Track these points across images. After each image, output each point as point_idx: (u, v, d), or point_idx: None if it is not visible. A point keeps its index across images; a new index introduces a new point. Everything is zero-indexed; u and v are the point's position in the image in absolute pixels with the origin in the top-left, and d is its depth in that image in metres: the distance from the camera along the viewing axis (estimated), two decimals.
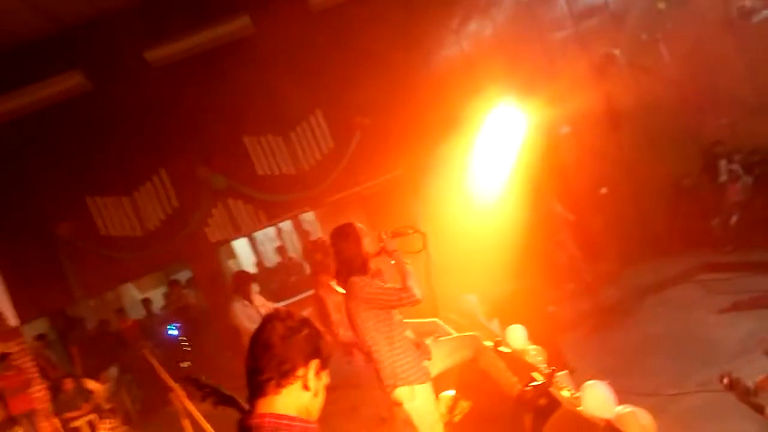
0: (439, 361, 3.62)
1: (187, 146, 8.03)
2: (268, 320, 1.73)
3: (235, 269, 9.35)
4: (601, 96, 8.18)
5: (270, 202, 8.28)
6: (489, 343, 4.01)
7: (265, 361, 1.66)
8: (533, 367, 3.98)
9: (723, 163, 8.20)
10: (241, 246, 11.32)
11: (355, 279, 3.46)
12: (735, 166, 8.06)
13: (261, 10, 7.74)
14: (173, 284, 10.13)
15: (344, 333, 4.68)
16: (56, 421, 6.00)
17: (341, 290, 3.72)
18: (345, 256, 3.51)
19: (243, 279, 6.00)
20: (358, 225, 3.58)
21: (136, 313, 10.42)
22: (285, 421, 1.63)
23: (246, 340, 1.97)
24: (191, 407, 3.98)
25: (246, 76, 7.90)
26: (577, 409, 3.35)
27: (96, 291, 8.70)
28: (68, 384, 7.41)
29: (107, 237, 8.04)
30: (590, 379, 3.38)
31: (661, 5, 8.30)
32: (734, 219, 7.71)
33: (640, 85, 8.25)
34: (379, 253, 3.56)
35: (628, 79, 8.32)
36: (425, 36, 8.24)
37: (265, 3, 7.78)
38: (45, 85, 7.37)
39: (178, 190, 8.15)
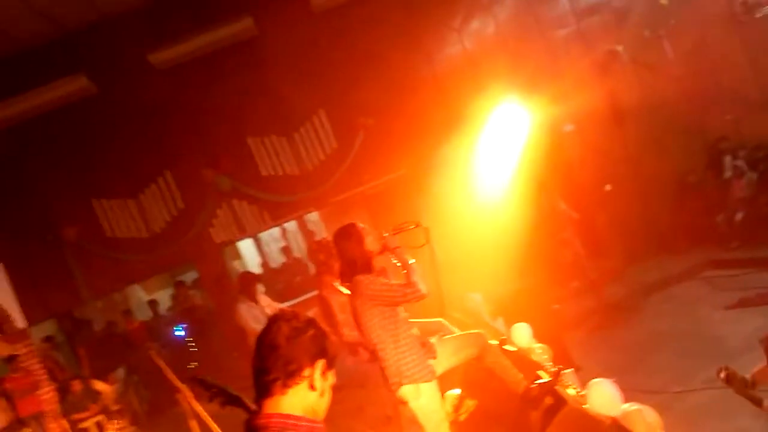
0: (445, 359, 3.62)
1: (192, 148, 8.06)
2: (274, 321, 1.74)
3: (241, 270, 9.38)
4: (605, 93, 8.17)
5: (274, 203, 8.30)
6: (494, 342, 4.01)
7: (271, 362, 1.67)
8: (538, 366, 3.98)
9: (728, 159, 8.18)
10: (246, 247, 11.34)
11: (360, 277, 3.47)
12: (740, 162, 8.04)
13: (264, 12, 7.77)
14: (179, 285, 10.17)
15: (349, 333, 4.69)
16: (64, 423, 6.04)
17: (345, 291, 3.73)
18: (348, 256, 3.53)
19: (248, 280, 6.03)
20: (360, 225, 3.59)
21: (143, 314, 10.46)
22: (292, 421, 1.65)
23: (252, 341, 1.98)
24: (198, 408, 4.00)
25: (249, 77, 7.93)
26: (583, 407, 3.35)
27: (103, 293, 8.74)
28: (76, 385, 7.46)
29: (113, 239, 8.08)
30: (596, 377, 3.39)
31: (664, 1, 8.28)
32: (739, 215, 7.69)
33: (644, 82, 8.24)
34: (382, 252, 3.57)
35: (632, 76, 8.30)
36: (427, 35, 8.24)
37: (267, 5, 7.80)
38: (50, 89, 7.41)
39: (183, 192, 8.18)
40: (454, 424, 3.76)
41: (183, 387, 4.07)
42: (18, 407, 7.06)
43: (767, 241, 7.09)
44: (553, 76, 8.15)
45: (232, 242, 8.85)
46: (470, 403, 3.88)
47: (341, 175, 8.25)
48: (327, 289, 5.14)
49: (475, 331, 3.95)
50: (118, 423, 6.98)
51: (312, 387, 1.69)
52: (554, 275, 7.26)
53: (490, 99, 7.34)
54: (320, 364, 1.71)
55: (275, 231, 11.27)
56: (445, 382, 3.74)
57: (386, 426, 4.83)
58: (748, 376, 3.47)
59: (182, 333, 9.04)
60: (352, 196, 8.32)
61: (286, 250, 11.29)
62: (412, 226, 3.57)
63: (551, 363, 4.08)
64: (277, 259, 11.70)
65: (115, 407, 7.47)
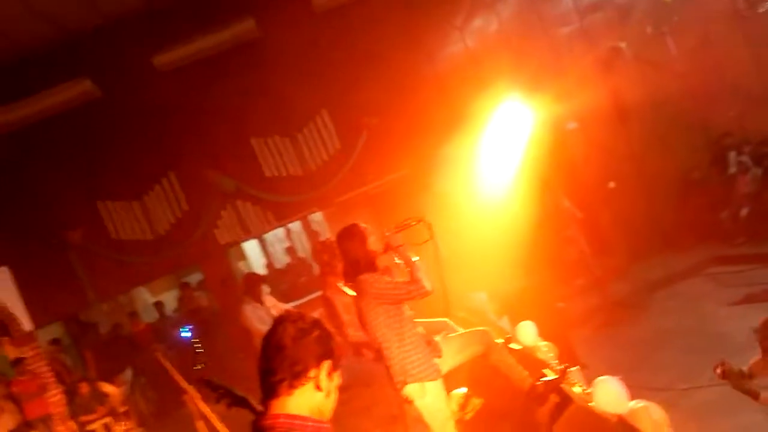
0: (450, 357, 3.63)
1: (195, 149, 8.08)
2: (279, 322, 1.75)
3: (246, 271, 9.41)
4: (608, 90, 8.15)
5: (278, 204, 8.32)
6: (499, 340, 4.01)
7: (277, 363, 1.68)
8: (544, 364, 3.98)
9: (732, 155, 8.16)
10: (250, 247, 11.37)
11: (364, 276, 3.48)
12: (744, 158, 8.02)
13: (265, 13, 7.77)
14: (184, 287, 10.20)
15: (354, 333, 4.70)
16: (72, 425, 6.07)
17: (349, 291, 3.73)
18: (352, 257, 3.53)
19: (253, 281, 6.04)
20: (363, 225, 3.60)
21: (149, 316, 10.50)
22: (298, 422, 1.66)
23: (257, 342, 1.99)
24: (205, 409, 4.01)
25: (252, 78, 7.94)
26: (589, 404, 3.35)
27: (109, 295, 8.77)
28: (83, 388, 7.50)
29: (118, 241, 8.11)
30: (602, 375, 3.38)
31: None
32: (744, 211, 7.66)
33: (647, 79, 8.21)
34: (385, 251, 3.58)
35: (635, 73, 8.28)
36: (430, 34, 8.24)
37: (269, 6, 7.81)
38: (54, 93, 7.43)
39: (187, 194, 8.20)
40: (460, 422, 3.77)
41: (189, 388, 4.09)
42: (25, 410, 7.10)
43: None
44: (556, 73, 8.13)
45: (236, 243, 8.87)
46: (476, 402, 3.89)
47: (345, 175, 8.26)
48: (331, 289, 5.15)
49: (481, 328, 3.94)
50: (125, 425, 7.02)
51: (318, 387, 1.69)
52: (559, 273, 7.24)
53: (493, 97, 7.33)
54: (326, 364, 1.72)
55: (279, 231, 11.29)
56: (450, 381, 3.74)
57: (392, 425, 4.84)
58: (745, 368, 3.47)
59: (188, 334, 9.03)
60: (355, 196, 8.32)
61: (290, 251, 11.31)
62: (415, 222, 3.57)
63: (557, 361, 4.08)
64: (281, 260, 11.73)
65: (122, 409, 7.50)
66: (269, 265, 11.61)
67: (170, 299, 10.74)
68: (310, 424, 1.67)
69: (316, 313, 2.29)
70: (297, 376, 1.67)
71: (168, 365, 4.37)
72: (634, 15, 8.50)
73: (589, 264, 7.46)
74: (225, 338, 8.38)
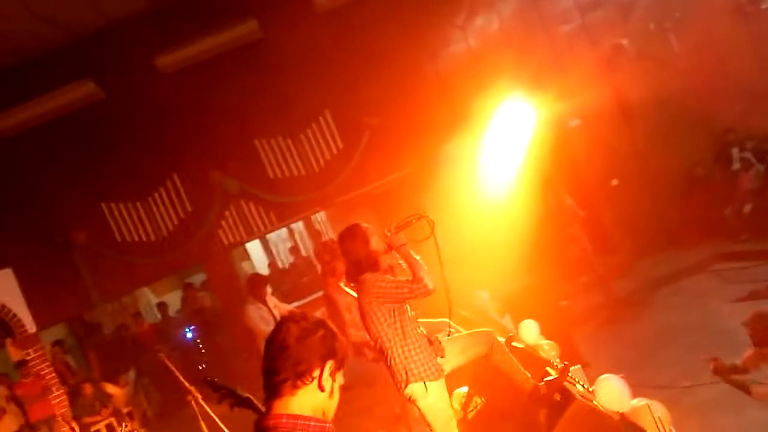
0: (453, 357, 3.62)
1: (198, 150, 8.10)
2: (283, 322, 1.75)
3: (249, 271, 9.43)
4: (611, 88, 8.14)
5: (281, 204, 8.33)
6: (501, 339, 4.01)
7: (280, 362, 1.68)
8: (547, 362, 3.98)
9: (735, 151, 8.14)
10: (254, 248, 11.39)
11: (366, 276, 3.47)
12: (747, 154, 8.00)
13: (267, 14, 7.78)
14: (188, 287, 10.22)
15: (355, 333, 4.71)
16: (76, 426, 6.08)
17: (351, 291, 3.73)
18: (354, 257, 3.53)
19: (257, 282, 6.04)
20: (365, 225, 3.59)
21: (153, 317, 10.53)
22: (301, 422, 1.66)
23: (260, 342, 2.00)
24: (208, 409, 4.02)
25: (254, 79, 7.95)
26: (592, 403, 3.35)
27: (112, 296, 8.80)
28: (87, 389, 7.52)
29: (122, 242, 8.14)
30: (605, 373, 3.39)
31: None
32: (748, 207, 7.65)
33: (650, 76, 8.19)
34: (388, 250, 3.58)
35: (637, 69, 8.26)
36: (431, 32, 8.23)
37: (271, 6, 7.82)
38: (58, 95, 7.46)
39: (190, 195, 8.23)
40: (462, 421, 3.77)
41: (192, 389, 4.09)
42: (29, 412, 7.13)
43: None
44: (558, 71, 8.12)
45: (240, 244, 8.89)
46: (479, 401, 3.89)
47: (347, 175, 8.27)
48: (332, 289, 5.16)
49: (484, 329, 3.94)
50: (128, 425, 7.03)
51: (321, 387, 1.69)
52: (562, 271, 7.25)
53: (495, 96, 7.33)
54: (329, 364, 1.72)
55: (283, 231, 11.33)
56: (453, 380, 3.74)
57: (395, 425, 4.85)
58: (739, 362, 3.48)
59: (192, 335, 9.09)
60: (358, 196, 8.33)
61: (294, 250, 11.34)
62: (415, 219, 3.56)
63: (559, 359, 4.08)
64: (285, 260, 11.75)
65: (125, 410, 7.53)
66: (272, 265, 11.64)
67: (174, 300, 10.77)
68: (312, 423, 1.68)
69: (319, 313, 2.30)
70: (300, 376, 1.67)
71: (171, 366, 4.38)
72: (635, 12, 8.48)
73: (591, 262, 7.45)
74: (228, 338, 8.41)
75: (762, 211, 7.49)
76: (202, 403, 4.02)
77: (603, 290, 7.26)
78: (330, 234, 9.87)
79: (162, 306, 10.30)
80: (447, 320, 3.72)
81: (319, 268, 9.34)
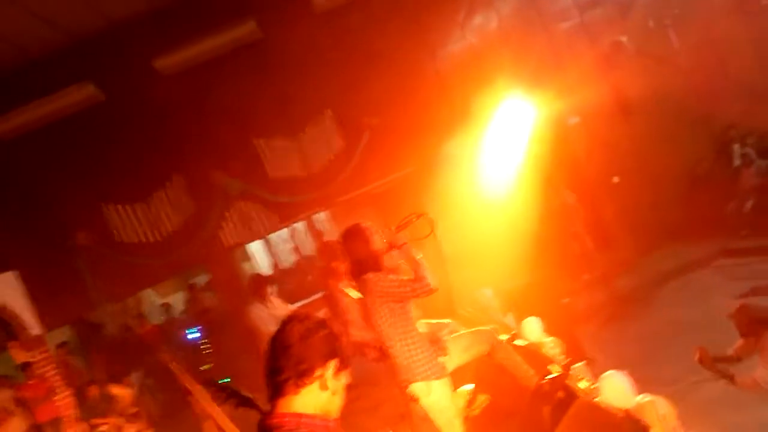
0: (456, 356, 3.63)
1: (199, 151, 8.11)
2: (287, 321, 1.76)
3: (251, 271, 9.43)
4: (610, 85, 8.13)
5: (282, 204, 8.34)
6: (504, 337, 4.02)
7: (283, 362, 1.69)
8: (550, 360, 3.98)
9: (736, 148, 8.14)
10: (256, 248, 11.40)
11: (369, 275, 3.48)
12: (748, 150, 7.99)
13: (266, 14, 7.79)
14: (192, 288, 10.24)
15: (356, 333, 4.72)
16: (82, 427, 6.10)
17: (352, 292, 3.73)
18: (356, 257, 3.54)
19: (259, 282, 6.06)
20: (366, 224, 3.60)
21: (156, 317, 10.54)
22: (305, 420, 1.67)
23: (263, 342, 2.00)
24: (213, 409, 4.03)
25: (254, 79, 7.96)
26: (595, 400, 3.35)
27: (116, 297, 8.81)
28: (93, 390, 7.53)
29: (125, 243, 8.16)
30: (608, 370, 3.39)
31: None
32: (749, 203, 7.64)
33: (649, 73, 8.19)
34: (389, 249, 3.58)
35: (637, 67, 8.25)
36: (430, 31, 8.23)
37: (270, 7, 7.82)
38: (58, 98, 7.48)
39: (192, 195, 8.24)
40: (467, 419, 3.78)
41: (197, 389, 4.11)
42: (35, 414, 7.14)
43: None
44: (557, 69, 8.12)
45: (242, 244, 8.90)
46: (483, 399, 3.89)
47: (348, 175, 8.27)
48: (333, 289, 5.16)
49: (486, 327, 3.95)
50: (134, 426, 7.05)
51: (324, 387, 1.70)
52: (564, 269, 7.24)
53: (494, 94, 7.32)
54: (332, 363, 1.73)
55: (284, 232, 11.32)
56: (457, 379, 3.75)
57: (400, 424, 4.85)
58: (731, 352, 3.51)
59: (196, 335, 9.10)
60: (359, 195, 8.33)
61: (297, 250, 11.35)
62: (416, 218, 3.57)
63: (563, 356, 4.08)
64: (286, 260, 11.76)
65: (131, 411, 7.54)
66: (275, 265, 11.65)
67: (178, 301, 10.79)
68: (316, 422, 1.69)
69: (321, 313, 2.31)
70: (303, 375, 1.68)
71: (175, 366, 4.39)
72: (635, 8, 8.47)
73: (594, 259, 7.45)
74: (232, 339, 8.41)
75: (764, 207, 7.49)
76: (207, 403, 4.02)
77: (605, 287, 7.26)
78: (331, 234, 9.87)
79: (166, 307, 10.32)
80: (449, 321, 3.73)
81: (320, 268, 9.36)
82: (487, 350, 3.74)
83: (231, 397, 2.88)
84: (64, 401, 7.36)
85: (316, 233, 11.05)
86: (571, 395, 3.43)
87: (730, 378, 3.60)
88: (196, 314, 9.81)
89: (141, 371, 8.69)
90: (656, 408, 3.13)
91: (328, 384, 1.71)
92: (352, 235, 3.56)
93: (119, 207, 8.16)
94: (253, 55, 7.92)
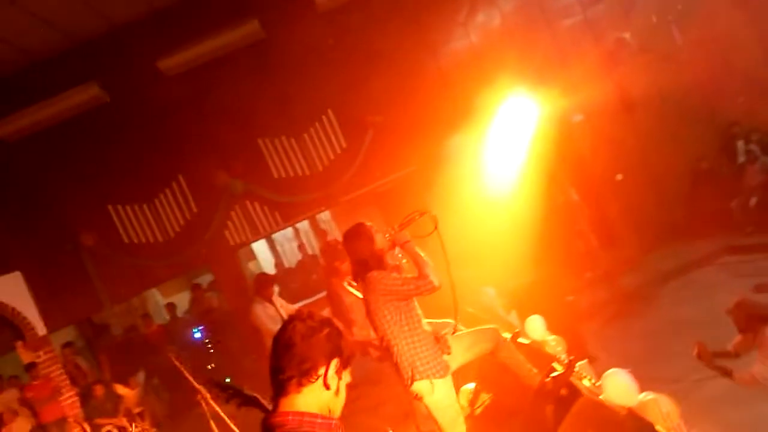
0: (459, 354, 3.63)
1: (203, 152, 8.13)
2: (290, 320, 1.77)
3: (256, 271, 9.46)
4: (614, 82, 8.11)
5: (286, 204, 8.35)
6: (508, 335, 4.02)
7: (286, 360, 1.70)
8: (553, 358, 3.98)
9: (740, 144, 8.11)
10: (260, 248, 11.42)
11: (373, 274, 3.49)
12: (753, 147, 7.96)
13: (269, 14, 7.80)
14: (196, 288, 10.27)
15: (359, 332, 4.73)
16: (87, 427, 6.13)
17: (355, 292, 3.74)
18: (360, 256, 3.54)
19: (263, 281, 6.08)
20: (368, 224, 3.61)
21: (161, 317, 10.58)
22: (308, 419, 1.68)
23: (268, 341, 2.02)
24: (217, 409, 4.05)
25: (257, 79, 7.98)
26: (599, 398, 3.35)
27: (121, 297, 8.85)
28: (98, 390, 7.57)
29: (130, 244, 8.19)
30: (612, 368, 3.38)
31: None
32: (753, 200, 7.62)
33: (653, 69, 8.16)
34: (392, 248, 3.59)
35: (640, 63, 8.23)
36: (433, 29, 8.23)
37: (272, 7, 7.83)
38: (63, 99, 7.51)
39: (196, 196, 8.26)
40: (470, 417, 3.78)
41: (201, 389, 4.12)
42: (40, 415, 7.19)
43: None
44: (560, 66, 8.11)
45: (246, 244, 8.92)
46: (486, 397, 3.90)
47: (351, 174, 8.28)
48: (336, 288, 5.18)
49: (489, 326, 3.95)
50: (140, 426, 7.08)
51: (326, 385, 1.71)
52: (568, 266, 7.24)
53: (497, 92, 7.32)
54: (335, 362, 1.73)
55: (288, 231, 11.34)
56: (460, 377, 3.75)
57: (403, 422, 4.87)
58: (730, 347, 3.51)
59: (200, 335, 9.12)
60: (362, 194, 8.34)
61: (301, 248, 11.37)
62: (418, 216, 3.57)
63: (566, 354, 4.08)
64: (291, 259, 11.78)
65: (136, 410, 7.57)
66: (279, 264, 11.67)
67: (182, 301, 10.82)
68: (319, 421, 1.70)
69: (325, 312, 2.32)
70: (305, 374, 1.69)
71: (180, 366, 4.41)
72: (638, 5, 8.44)
73: (597, 257, 7.44)
74: (237, 338, 8.43)
75: None
76: (212, 402, 4.04)
77: (609, 285, 7.25)
78: (335, 233, 9.89)
79: (170, 307, 10.35)
80: (452, 320, 3.73)
81: (323, 267, 9.38)
82: (490, 349, 3.74)
83: (234, 396, 2.89)
84: (69, 401, 7.40)
85: (320, 232, 11.07)
86: (574, 393, 3.43)
87: (729, 374, 3.60)
88: (200, 314, 9.84)
89: (146, 371, 8.72)
90: (659, 406, 3.13)
91: (331, 383, 1.72)
92: (355, 235, 3.57)
93: (124, 208, 8.19)
94: (256, 55, 7.94)
